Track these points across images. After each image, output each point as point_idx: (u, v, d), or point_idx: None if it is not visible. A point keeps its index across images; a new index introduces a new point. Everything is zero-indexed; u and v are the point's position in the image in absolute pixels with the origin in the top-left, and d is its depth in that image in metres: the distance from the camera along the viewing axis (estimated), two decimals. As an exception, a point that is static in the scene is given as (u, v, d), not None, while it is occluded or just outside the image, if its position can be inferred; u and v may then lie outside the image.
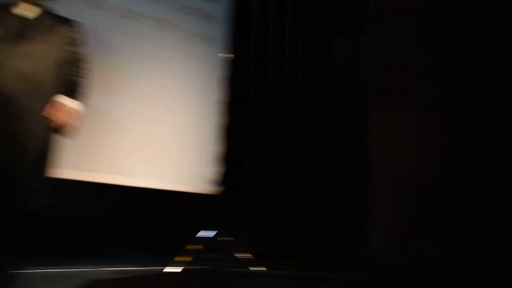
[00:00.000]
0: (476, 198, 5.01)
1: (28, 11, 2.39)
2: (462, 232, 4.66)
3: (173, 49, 4.76)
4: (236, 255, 3.98)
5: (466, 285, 4.26)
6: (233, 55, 5.31)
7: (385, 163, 4.53)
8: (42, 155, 2.30)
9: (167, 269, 3.41)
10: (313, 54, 4.66)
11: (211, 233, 4.10)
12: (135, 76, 4.39)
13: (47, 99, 2.31)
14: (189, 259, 3.68)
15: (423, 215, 4.48)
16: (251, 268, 3.78)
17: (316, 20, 5.45)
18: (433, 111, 4.84)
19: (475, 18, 5.17)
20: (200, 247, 3.92)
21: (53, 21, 2.44)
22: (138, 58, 4.44)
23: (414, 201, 4.40)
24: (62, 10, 2.55)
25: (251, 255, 3.95)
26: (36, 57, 2.30)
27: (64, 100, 2.35)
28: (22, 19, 2.36)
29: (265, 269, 3.80)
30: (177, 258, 3.66)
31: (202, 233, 4.07)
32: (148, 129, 4.39)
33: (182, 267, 3.51)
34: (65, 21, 2.50)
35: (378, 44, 4.74)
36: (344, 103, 4.64)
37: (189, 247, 3.82)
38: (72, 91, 2.40)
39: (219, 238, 4.11)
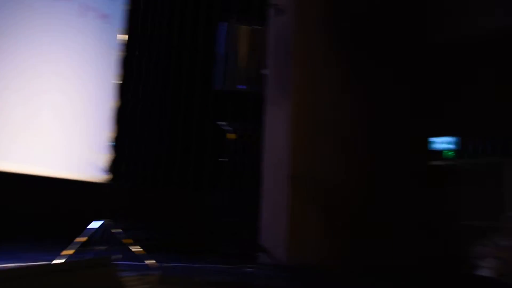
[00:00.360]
0: (379, 196, 5.34)
1: None
2: (360, 226, 4.93)
3: (63, 22, 4.36)
4: (126, 247, 3.80)
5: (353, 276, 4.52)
6: (130, 35, 5.03)
7: (273, 158, 4.61)
8: None
9: (48, 263, 3.14)
10: (212, 42, 4.58)
11: (99, 224, 3.86)
12: (12, 46, 3.92)
13: None
14: (71, 252, 3.45)
15: (310, 211, 4.66)
16: (139, 261, 3.65)
17: (219, 7, 5.38)
18: (323, 109, 5.04)
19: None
20: (85, 239, 3.68)
21: None
22: (18, 27, 3.98)
23: (301, 198, 4.55)
24: None
25: (140, 247, 3.79)
26: None
27: None
28: None
29: (154, 261, 3.67)
30: (64, 252, 3.43)
31: (91, 224, 3.83)
32: (24, 104, 3.95)
33: (64, 261, 3.28)
34: None
35: (274, 39, 4.80)
36: (244, 95, 4.61)
37: (77, 239, 3.60)
38: None
39: (107, 229, 3.88)
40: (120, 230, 3.84)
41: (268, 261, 4.18)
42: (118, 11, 4.86)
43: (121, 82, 5.00)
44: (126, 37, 5.01)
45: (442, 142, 6.07)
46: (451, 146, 6.00)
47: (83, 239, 3.61)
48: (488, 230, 4.47)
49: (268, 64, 4.64)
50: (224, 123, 4.41)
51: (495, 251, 4.02)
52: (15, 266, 3.11)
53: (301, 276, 4.14)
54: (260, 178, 4.59)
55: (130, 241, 3.81)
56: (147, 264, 3.63)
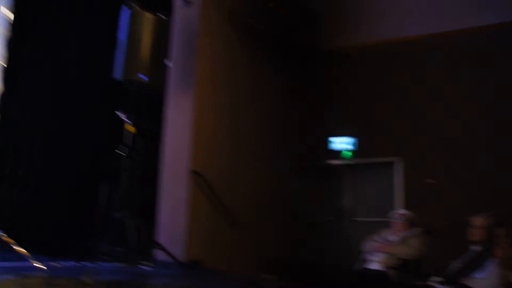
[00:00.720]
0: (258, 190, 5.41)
1: None
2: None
3: None
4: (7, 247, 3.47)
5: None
6: (18, 13, 4.58)
7: (173, 152, 4.47)
8: None
9: None
10: (114, 27, 4.30)
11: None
12: None
13: None
14: None
15: (210, 207, 4.61)
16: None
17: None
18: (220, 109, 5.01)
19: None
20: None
21: None
22: None
23: (200, 193, 4.47)
24: None
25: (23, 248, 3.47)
26: None
27: None
28: None
29: (39, 262, 3.37)
30: None
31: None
32: None
33: None
34: None
35: (180, 31, 4.67)
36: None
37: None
38: None
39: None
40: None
41: (165, 259, 4.05)
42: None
43: (7, 65, 4.54)
44: (13, 15, 4.57)
45: (341, 142, 6.35)
46: (349, 146, 6.30)
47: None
48: (378, 225, 4.74)
49: (172, 55, 4.49)
50: (123, 113, 4.17)
51: (384, 246, 4.25)
52: None
53: (197, 273, 4.07)
54: (158, 173, 4.43)
55: (12, 241, 3.47)
56: (31, 265, 3.33)
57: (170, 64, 4.38)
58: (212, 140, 4.71)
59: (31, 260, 3.35)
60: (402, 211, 4.60)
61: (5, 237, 3.48)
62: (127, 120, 4.07)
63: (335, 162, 6.35)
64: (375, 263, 4.22)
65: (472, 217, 3.78)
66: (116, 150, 4.03)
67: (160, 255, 4.06)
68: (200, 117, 4.53)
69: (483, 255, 3.53)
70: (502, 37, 5.49)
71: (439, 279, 3.66)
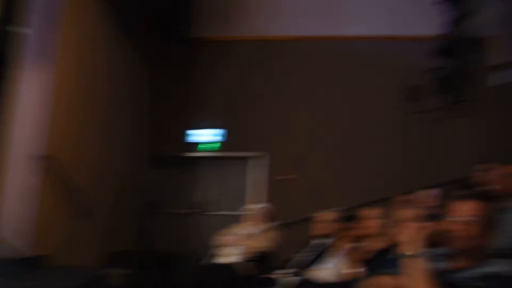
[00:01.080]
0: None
1: None
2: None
3: None
4: None
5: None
6: None
7: (22, 134, 3.94)
8: None
9: None
10: None
11: None
12: None
13: None
14: None
15: (61, 197, 4.18)
16: None
17: None
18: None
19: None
20: None
21: None
22: None
23: (51, 181, 4.02)
24: None
25: None
26: None
27: None
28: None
29: None
30: None
31: None
32: None
33: None
34: None
35: None
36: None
37: None
38: None
39: None
40: None
41: (4, 254, 3.53)
42: None
43: None
44: None
45: (202, 134, 6.30)
46: (211, 139, 6.29)
47: None
48: (234, 219, 4.85)
49: (29, 22, 3.91)
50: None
51: (236, 239, 4.35)
52: None
53: (39, 270, 3.65)
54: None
55: None
56: None
57: (26, 31, 3.81)
58: (66, 123, 4.26)
59: None
60: (259, 205, 4.75)
61: None
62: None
63: (194, 154, 6.30)
64: (227, 257, 4.27)
65: (318, 212, 4.09)
66: None
67: None
68: (57, 96, 4.05)
69: (326, 248, 3.85)
70: (362, 48, 6.12)
71: (284, 271, 3.89)
